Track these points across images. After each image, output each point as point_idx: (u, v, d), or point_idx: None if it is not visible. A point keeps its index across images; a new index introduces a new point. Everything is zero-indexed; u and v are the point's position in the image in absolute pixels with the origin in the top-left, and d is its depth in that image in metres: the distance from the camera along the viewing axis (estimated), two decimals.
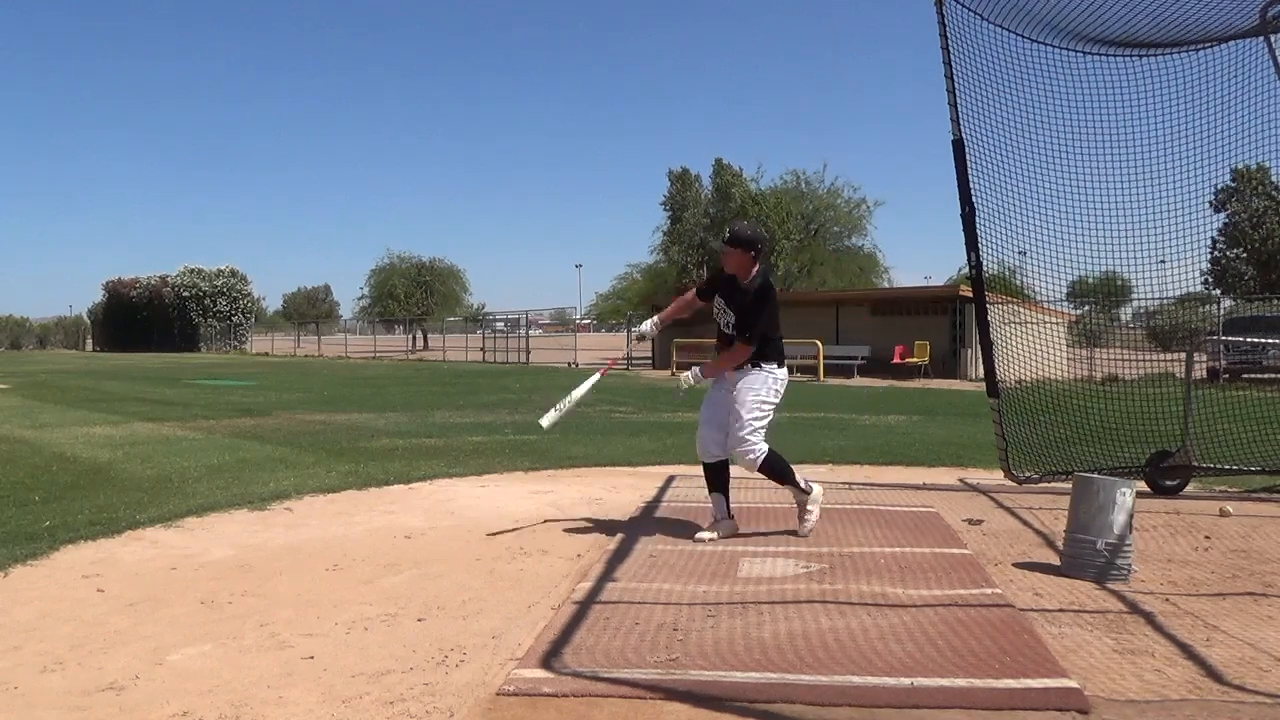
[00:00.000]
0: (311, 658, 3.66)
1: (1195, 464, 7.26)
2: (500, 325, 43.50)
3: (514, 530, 5.96)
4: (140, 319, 61.31)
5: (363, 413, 14.53)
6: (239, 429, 11.85)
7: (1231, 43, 7.28)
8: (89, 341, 71.55)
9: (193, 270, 62.19)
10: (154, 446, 9.94)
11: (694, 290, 5.94)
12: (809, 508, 5.70)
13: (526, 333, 40.16)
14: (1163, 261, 7.42)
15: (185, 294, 60.84)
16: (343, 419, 13.44)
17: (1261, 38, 7.19)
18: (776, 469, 5.58)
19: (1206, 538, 5.78)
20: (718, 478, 5.71)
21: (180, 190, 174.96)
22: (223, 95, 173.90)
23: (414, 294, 61.72)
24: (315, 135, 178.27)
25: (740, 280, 5.55)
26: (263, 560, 5.20)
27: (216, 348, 58.37)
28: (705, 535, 5.60)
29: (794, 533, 5.67)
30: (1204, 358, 19.91)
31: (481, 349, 41.45)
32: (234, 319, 61.27)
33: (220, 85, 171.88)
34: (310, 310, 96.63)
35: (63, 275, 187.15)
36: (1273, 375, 19.34)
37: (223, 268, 62.93)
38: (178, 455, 9.20)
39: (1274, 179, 42.95)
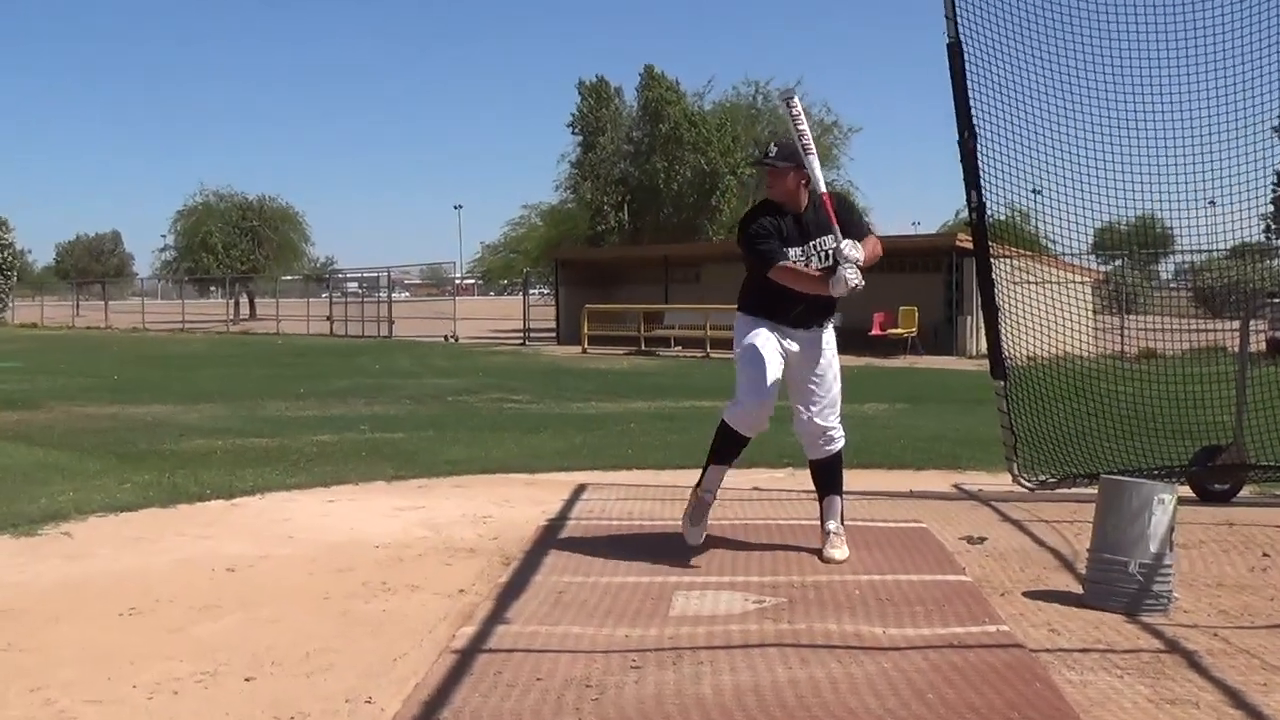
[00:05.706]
0: None
1: (1250, 462, 7.46)
2: (353, 287, 43.12)
3: (374, 559, 5.92)
4: None
5: (167, 404, 14.35)
6: None
7: None
8: None
9: None
10: None
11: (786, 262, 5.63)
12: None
13: (389, 296, 39.84)
14: (1212, 203, 7.57)
15: None
16: (140, 412, 13.25)
17: None
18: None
19: (1265, 555, 5.95)
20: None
21: None
22: None
23: (237, 244, 60.73)
24: (101, 35, 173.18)
25: (792, 207, 5.67)
26: (33, 603, 5.10)
27: None
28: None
29: (743, 557, 5.79)
30: (1264, 326, 20.46)
31: (329, 318, 41.14)
32: None
33: None
34: (94, 266, 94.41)
35: None
36: None
37: None
38: None
39: None
